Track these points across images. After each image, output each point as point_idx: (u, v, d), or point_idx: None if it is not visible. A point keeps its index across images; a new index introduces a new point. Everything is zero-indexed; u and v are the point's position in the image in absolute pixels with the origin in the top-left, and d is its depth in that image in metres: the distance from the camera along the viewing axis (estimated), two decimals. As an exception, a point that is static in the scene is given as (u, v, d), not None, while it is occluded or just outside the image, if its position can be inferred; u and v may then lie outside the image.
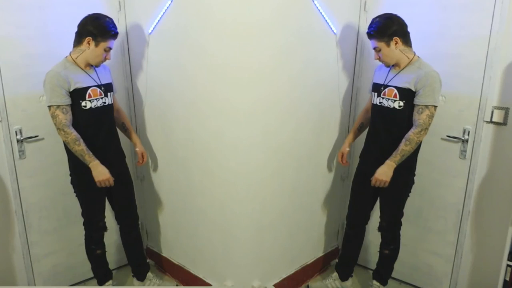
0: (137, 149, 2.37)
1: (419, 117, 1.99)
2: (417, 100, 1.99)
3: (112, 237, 2.67)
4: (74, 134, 1.99)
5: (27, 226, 2.33)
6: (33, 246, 2.38)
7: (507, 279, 2.07)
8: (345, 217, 2.47)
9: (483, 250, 2.30)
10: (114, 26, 2.04)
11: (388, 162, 2.06)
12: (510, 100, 2.08)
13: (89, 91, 2.03)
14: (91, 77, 2.06)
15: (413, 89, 1.98)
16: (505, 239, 2.05)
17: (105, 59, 2.06)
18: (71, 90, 1.98)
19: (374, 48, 2.04)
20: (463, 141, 2.24)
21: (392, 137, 2.08)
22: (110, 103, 2.15)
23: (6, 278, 2.32)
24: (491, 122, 2.15)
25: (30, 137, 2.25)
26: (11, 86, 2.14)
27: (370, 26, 2.03)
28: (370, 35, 2.03)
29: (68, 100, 1.98)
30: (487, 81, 2.10)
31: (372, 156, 2.19)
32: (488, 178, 2.21)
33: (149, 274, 2.55)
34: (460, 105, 2.21)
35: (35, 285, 2.43)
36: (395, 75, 2.05)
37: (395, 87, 2.04)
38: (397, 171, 2.07)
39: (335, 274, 2.55)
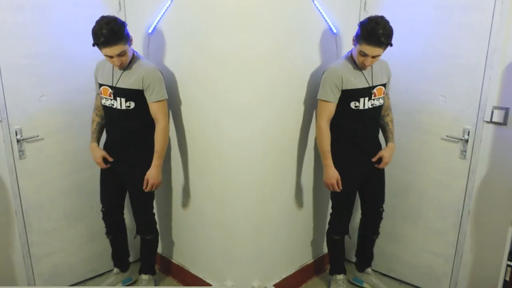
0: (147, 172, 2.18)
1: (389, 102, 2.27)
2: (387, 88, 2.21)
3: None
4: (92, 116, 2.26)
5: (27, 226, 2.33)
6: (33, 246, 2.38)
7: (507, 279, 2.07)
8: (332, 225, 2.40)
9: (483, 250, 2.30)
10: (101, 35, 1.85)
11: (392, 144, 2.25)
12: (510, 100, 2.08)
13: (101, 88, 2.14)
14: (112, 77, 2.09)
15: (386, 81, 2.18)
16: (505, 239, 2.05)
17: (116, 65, 1.99)
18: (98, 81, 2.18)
19: (374, 56, 1.93)
20: (463, 141, 2.24)
21: (377, 129, 2.27)
22: (119, 107, 2.10)
23: (6, 278, 2.32)
24: (491, 122, 2.15)
25: (30, 137, 2.25)
26: (11, 86, 2.14)
27: (384, 36, 1.85)
28: (383, 44, 1.87)
29: (98, 89, 2.20)
30: (487, 81, 2.10)
31: (362, 157, 2.21)
32: (488, 178, 2.21)
33: (146, 276, 2.49)
34: (460, 105, 2.21)
35: (35, 285, 2.43)
36: (372, 74, 2.10)
37: (382, 84, 2.14)
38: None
39: (336, 277, 2.51)
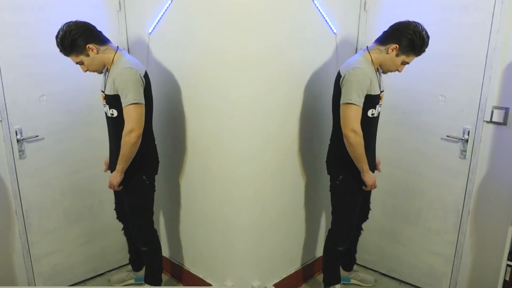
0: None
1: None
2: None
3: (112, 236, 2.67)
4: None
5: (27, 226, 2.33)
6: (33, 246, 2.38)
7: (507, 279, 2.07)
8: (338, 236, 2.27)
9: (483, 250, 2.30)
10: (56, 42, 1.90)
11: None
12: (510, 100, 2.09)
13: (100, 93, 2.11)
14: (103, 81, 2.07)
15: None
16: (505, 239, 2.05)
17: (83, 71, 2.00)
18: None
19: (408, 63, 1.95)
20: (463, 141, 2.24)
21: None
22: (109, 115, 2.04)
23: (6, 278, 2.32)
24: (491, 122, 2.15)
25: (30, 137, 2.25)
26: (11, 86, 2.14)
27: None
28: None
29: None
30: (487, 81, 2.10)
31: (370, 165, 2.13)
32: (488, 178, 2.21)
33: (148, 287, 2.41)
34: (460, 105, 2.21)
35: (35, 285, 2.43)
36: (380, 80, 2.03)
37: (382, 91, 2.06)
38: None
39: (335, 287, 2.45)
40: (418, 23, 1.87)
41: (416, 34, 1.84)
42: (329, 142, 2.19)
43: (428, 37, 1.86)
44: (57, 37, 1.87)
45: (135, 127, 1.93)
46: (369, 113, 1.98)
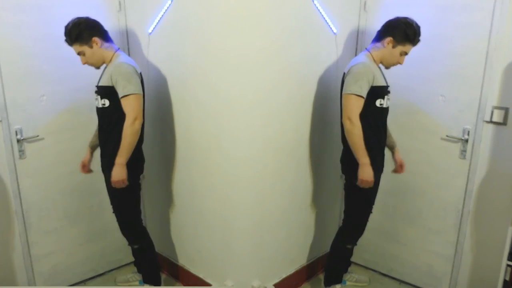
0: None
1: None
2: None
3: (112, 236, 2.67)
4: None
5: (27, 226, 2.33)
6: (33, 246, 2.38)
7: (507, 279, 2.07)
8: (350, 234, 2.31)
9: (483, 250, 2.30)
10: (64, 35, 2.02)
11: (398, 148, 2.30)
12: (510, 100, 2.09)
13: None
14: (99, 76, 2.11)
15: None
16: (505, 239, 2.05)
17: (82, 63, 2.08)
18: None
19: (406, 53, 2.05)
20: (463, 141, 2.24)
21: None
22: (99, 106, 2.08)
23: (6, 278, 2.32)
24: (491, 122, 2.15)
25: (30, 137, 2.25)
26: (11, 86, 2.14)
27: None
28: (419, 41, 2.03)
29: None
30: (487, 81, 2.10)
31: (382, 160, 2.15)
32: (488, 178, 2.21)
33: (148, 287, 2.45)
34: (460, 105, 2.21)
35: (35, 285, 2.43)
36: (383, 74, 2.09)
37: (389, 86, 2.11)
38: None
39: (335, 287, 2.46)
40: (407, 17, 2.00)
41: (407, 24, 1.98)
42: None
43: (418, 26, 1.98)
44: (66, 26, 1.98)
45: (138, 115, 2.03)
46: (378, 103, 2.04)
